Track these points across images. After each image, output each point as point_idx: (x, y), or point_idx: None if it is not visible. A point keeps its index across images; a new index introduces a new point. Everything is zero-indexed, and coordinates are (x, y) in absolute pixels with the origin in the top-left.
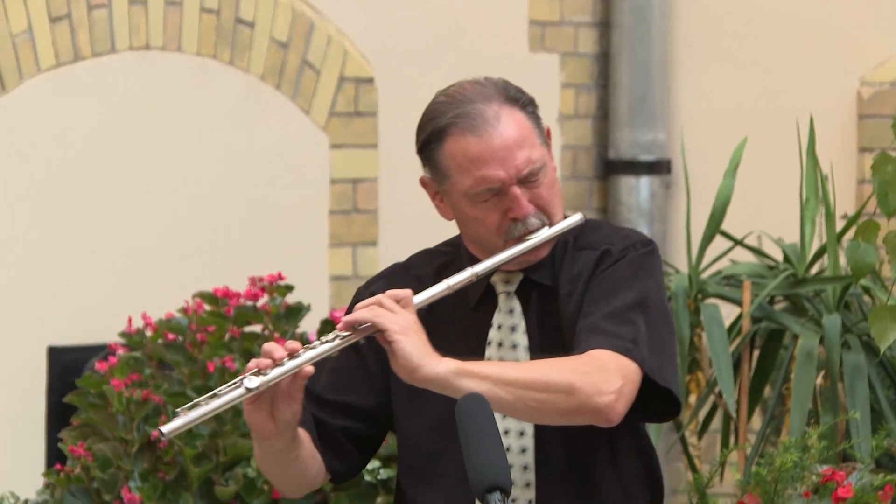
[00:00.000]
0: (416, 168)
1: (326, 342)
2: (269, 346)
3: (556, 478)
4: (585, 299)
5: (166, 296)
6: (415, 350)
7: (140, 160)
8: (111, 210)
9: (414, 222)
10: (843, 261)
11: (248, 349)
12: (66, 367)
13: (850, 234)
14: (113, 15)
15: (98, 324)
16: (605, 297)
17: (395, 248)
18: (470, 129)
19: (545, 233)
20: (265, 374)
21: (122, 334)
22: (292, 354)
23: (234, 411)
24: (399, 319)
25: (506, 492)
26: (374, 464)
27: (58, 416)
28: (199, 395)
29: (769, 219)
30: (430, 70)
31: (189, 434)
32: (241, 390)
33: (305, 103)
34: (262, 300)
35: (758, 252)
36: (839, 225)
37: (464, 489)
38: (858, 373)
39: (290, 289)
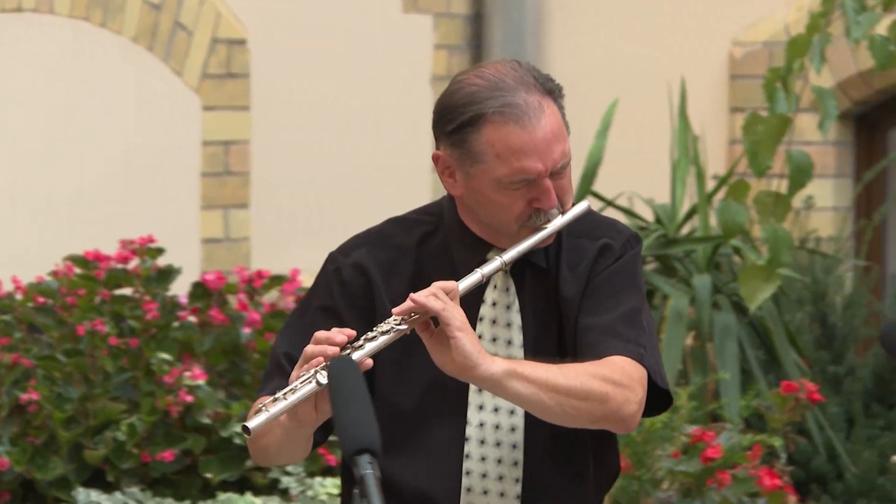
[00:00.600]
0: (289, 130)
1: (384, 333)
2: (325, 334)
3: (542, 458)
4: (592, 293)
5: (37, 259)
6: (473, 348)
7: (9, 123)
8: None
9: (286, 185)
10: (713, 221)
11: (119, 312)
12: None
13: (721, 194)
14: None
15: None
16: (614, 297)
17: (267, 211)
18: (514, 120)
19: (560, 221)
20: (354, 352)
21: None
22: (352, 342)
23: (105, 374)
24: (458, 314)
25: (374, 454)
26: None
27: None
28: (69, 357)
29: (640, 179)
30: (303, 32)
31: (59, 397)
32: (313, 385)
33: (178, 65)
34: (133, 263)
35: (629, 212)
36: (710, 185)
37: (446, 459)
38: (728, 333)
39: (160, 251)
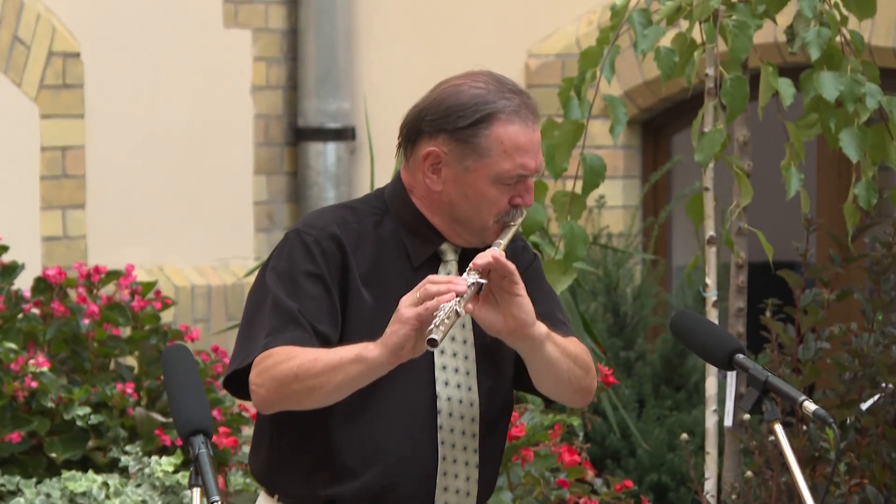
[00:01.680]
0: (120, 136)
1: (470, 285)
2: (444, 279)
3: (488, 430)
4: (533, 290)
5: None
6: (530, 308)
7: None
8: None
9: (120, 187)
10: None
11: None
12: None
13: None
14: None
15: None
16: (546, 290)
17: (102, 211)
18: (521, 121)
19: (519, 220)
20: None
21: None
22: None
23: None
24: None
25: (208, 435)
26: (85, 410)
27: None
28: None
29: None
30: (133, 45)
31: None
32: (454, 315)
33: (17, 76)
34: None
35: None
36: None
37: (399, 425)
38: None
39: (5, 249)
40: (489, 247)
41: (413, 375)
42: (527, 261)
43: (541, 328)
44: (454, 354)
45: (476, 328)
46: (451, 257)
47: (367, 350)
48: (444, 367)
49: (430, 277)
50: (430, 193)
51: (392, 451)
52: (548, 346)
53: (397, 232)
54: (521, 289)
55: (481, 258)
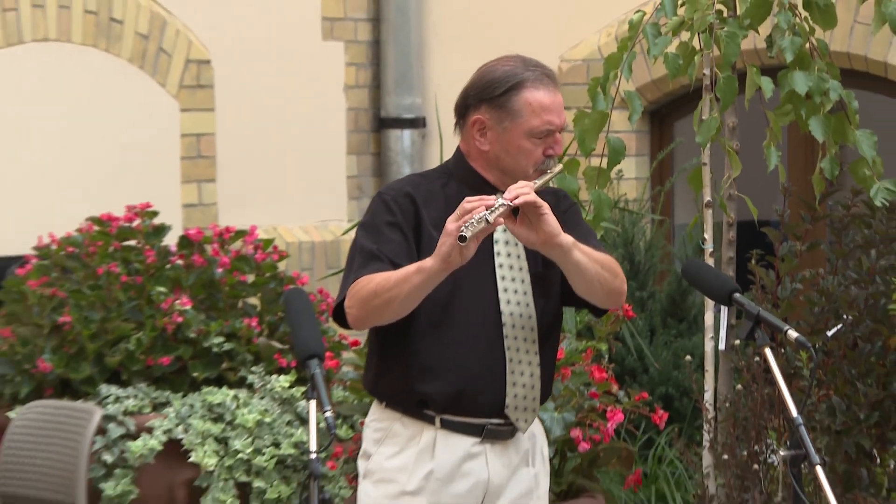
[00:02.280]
0: (243, 125)
1: (501, 205)
2: (478, 198)
3: (544, 338)
4: (567, 223)
5: (67, 220)
6: (555, 221)
7: (47, 120)
8: (30, 163)
9: (243, 165)
10: None
11: (127, 258)
12: None
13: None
14: (20, 15)
15: (15, 240)
16: (581, 225)
17: (229, 184)
18: (544, 86)
19: (558, 168)
20: (491, 214)
21: (35, 248)
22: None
23: (118, 302)
24: (543, 202)
25: (321, 358)
26: (219, 339)
27: None
28: (92, 291)
29: None
30: (252, 54)
31: (85, 319)
32: (484, 224)
33: (162, 79)
34: (136, 222)
35: None
36: None
37: (471, 336)
38: None
39: (155, 214)
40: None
41: (481, 297)
42: (567, 205)
43: (567, 238)
44: (513, 279)
45: (529, 259)
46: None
47: (425, 262)
48: (506, 290)
49: (466, 198)
50: (481, 154)
51: (468, 357)
52: (575, 252)
53: (461, 190)
54: (546, 209)
55: (510, 189)
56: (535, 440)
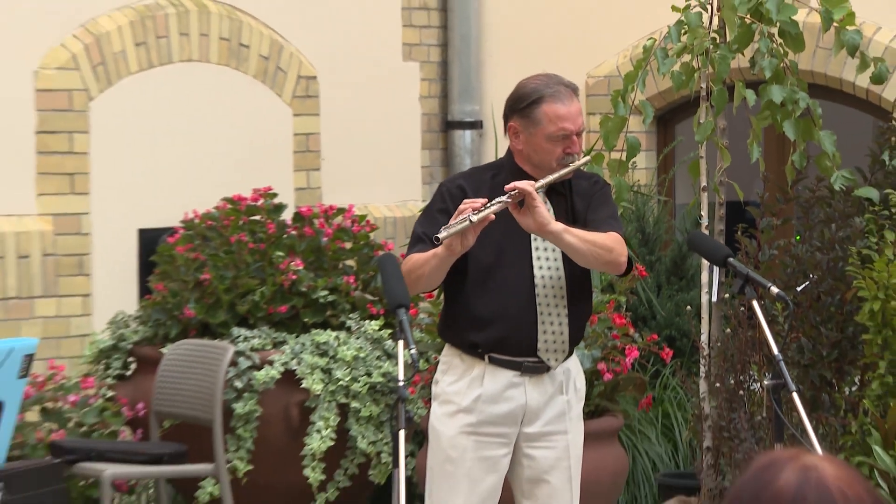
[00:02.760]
0: (341, 128)
1: (500, 202)
2: (469, 201)
3: (573, 295)
4: (594, 203)
5: (207, 199)
6: (546, 214)
7: (192, 122)
8: (179, 155)
9: (341, 157)
10: None
11: (253, 229)
12: (150, 240)
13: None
14: (171, 41)
15: (167, 215)
16: (606, 206)
17: (331, 172)
18: (560, 101)
19: (578, 162)
20: (476, 215)
21: (182, 222)
22: (485, 206)
23: (247, 263)
24: (538, 196)
25: (407, 307)
26: (324, 292)
27: (146, 269)
28: (226, 255)
29: None
30: (348, 72)
31: (221, 277)
32: (467, 223)
33: (279, 91)
34: (260, 202)
35: None
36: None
37: (510, 294)
38: None
39: (275, 195)
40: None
41: (519, 263)
42: (598, 187)
43: (557, 226)
44: (545, 249)
45: (558, 218)
46: (547, 178)
47: (438, 249)
48: (539, 258)
49: (464, 200)
50: (519, 152)
51: (507, 310)
52: (565, 236)
53: (507, 179)
54: (538, 202)
55: (511, 185)
56: (568, 374)
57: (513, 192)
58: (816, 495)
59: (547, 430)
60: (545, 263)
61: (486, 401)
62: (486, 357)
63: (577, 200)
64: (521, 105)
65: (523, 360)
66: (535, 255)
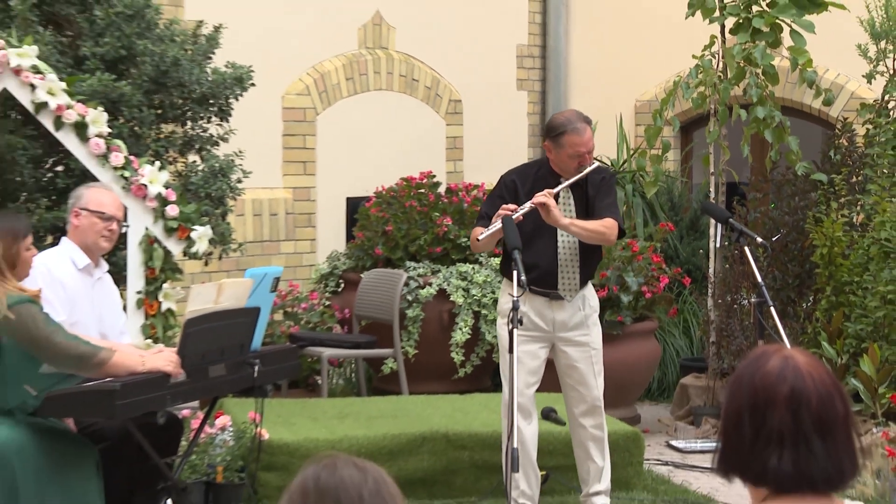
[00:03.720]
0: (479, 131)
1: (527, 206)
2: (505, 207)
3: (585, 256)
4: (599, 194)
5: (391, 178)
6: (559, 212)
7: (382, 131)
8: (372, 150)
9: (476, 153)
10: (633, 166)
11: (420, 198)
12: (354, 205)
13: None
14: (369, 77)
15: (364, 188)
16: (608, 196)
17: (469, 162)
18: (577, 132)
19: (587, 170)
20: (513, 215)
21: (375, 193)
22: (515, 211)
23: (414, 220)
24: (552, 202)
25: (520, 250)
26: (464, 239)
27: (351, 223)
28: (402, 215)
29: (602, 148)
30: (483, 98)
31: (399, 228)
32: (498, 224)
33: (437, 109)
34: (425, 180)
35: (600, 161)
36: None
37: (542, 255)
38: (638, 206)
39: (434, 176)
40: (560, 179)
41: (548, 235)
42: (602, 179)
43: (564, 221)
44: None
45: (578, 211)
46: (563, 183)
47: (485, 233)
48: (562, 234)
49: (502, 206)
50: (551, 160)
51: (539, 263)
52: (571, 227)
53: (544, 175)
54: (552, 207)
55: (535, 196)
56: (584, 298)
57: (535, 203)
58: (793, 375)
59: (571, 334)
60: (566, 237)
61: (527, 314)
62: (528, 289)
63: (590, 189)
64: (552, 133)
65: (550, 292)
66: (559, 231)
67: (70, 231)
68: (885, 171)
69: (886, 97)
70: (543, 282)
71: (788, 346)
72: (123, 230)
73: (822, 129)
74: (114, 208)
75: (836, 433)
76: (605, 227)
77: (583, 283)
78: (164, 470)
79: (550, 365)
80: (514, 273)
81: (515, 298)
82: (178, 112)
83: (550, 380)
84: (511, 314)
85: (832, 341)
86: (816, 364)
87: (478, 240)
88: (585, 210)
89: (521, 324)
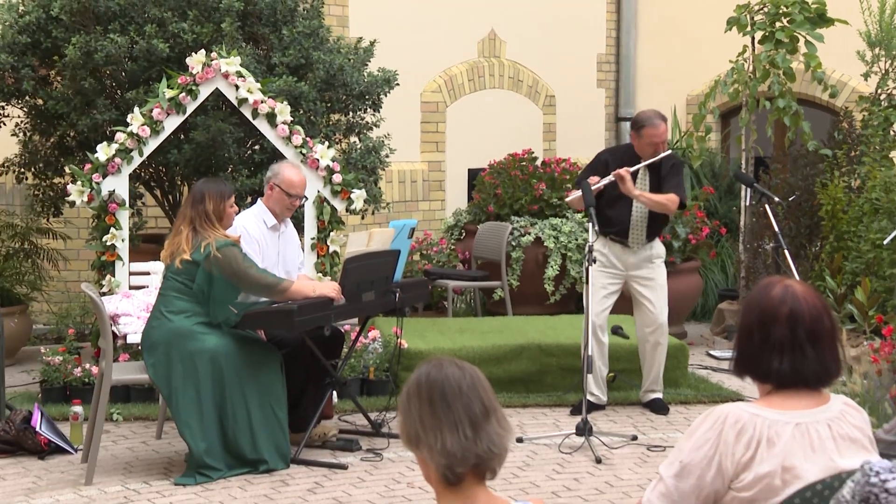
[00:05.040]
0: (567, 121)
1: (608, 179)
2: (592, 178)
3: (652, 218)
4: (668, 175)
5: (499, 154)
6: (630, 186)
7: (492, 120)
8: (482, 133)
9: (565, 136)
10: (683, 144)
11: (522, 169)
12: (473, 173)
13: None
14: (486, 79)
15: (481, 162)
16: (675, 177)
17: (561, 142)
18: (654, 125)
19: (661, 155)
20: (596, 184)
21: (489, 165)
22: (598, 181)
23: (518, 184)
24: (628, 176)
25: (594, 206)
26: (555, 199)
27: (471, 188)
28: (509, 181)
29: None
30: (571, 94)
31: (506, 191)
32: (581, 187)
33: (537, 102)
34: (526, 155)
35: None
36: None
37: (619, 216)
38: (684, 171)
39: (533, 152)
40: (640, 160)
41: (626, 202)
42: (672, 163)
43: (636, 192)
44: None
45: (651, 184)
46: (641, 164)
47: (575, 196)
48: (635, 203)
49: (591, 178)
50: (634, 146)
51: (618, 222)
52: (641, 198)
53: (631, 156)
54: (627, 181)
55: (615, 172)
56: (652, 247)
57: (614, 175)
58: (792, 299)
59: (639, 272)
60: (638, 204)
61: (607, 256)
62: (609, 238)
63: (663, 170)
64: (636, 126)
65: (624, 241)
66: (634, 200)
67: (265, 197)
68: (876, 147)
69: (879, 91)
70: (620, 234)
71: (796, 278)
72: (303, 203)
73: (829, 115)
74: (300, 188)
75: (825, 343)
76: (668, 200)
77: (650, 238)
78: (330, 369)
79: (622, 296)
80: (590, 225)
81: (590, 243)
82: (343, 105)
83: (620, 306)
84: (588, 255)
85: (833, 276)
86: (810, 291)
87: (569, 198)
88: (658, 186)
89: (595, 262)
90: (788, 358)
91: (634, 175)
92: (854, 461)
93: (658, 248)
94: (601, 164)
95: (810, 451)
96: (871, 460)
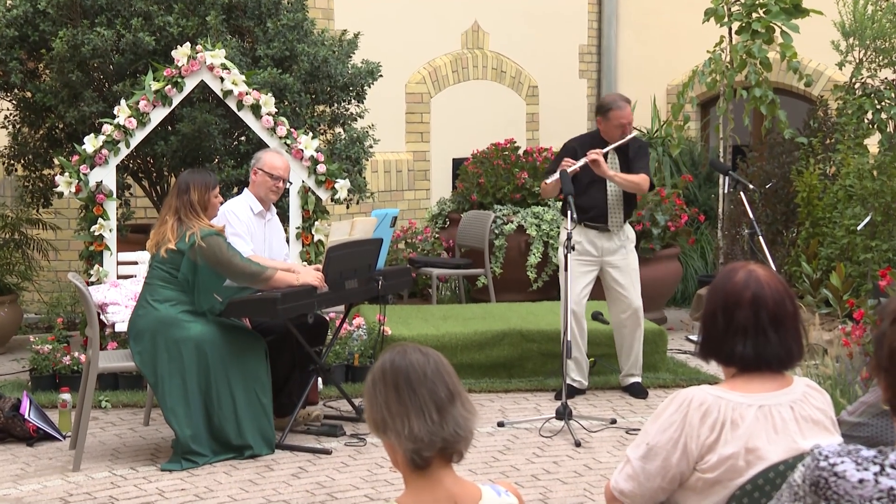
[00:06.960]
0: (550, 110)
1: (581, 162)
2: (566, 161)
3: (626, 198)
4: (636, 157)
5: (482, 143)
6: (605, 167)
7: (481, 111)
8: (466, 123)
9: (550, 124)
10: (663, 132)
11: (504, 158)
12: (457, 163)
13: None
14: (468, 69)
15: (464, 152)
16: (642, 158)
17: (543, 132)
18: (619, 109)
19: (627, 139)
20: (569, 168)
21: (472, 154)
22: (572, 164)
23: (500, 175)
24: (601, 158)
25: (572, 195)
26: (536, 188)
27: (454, 177)
28: (491, 170)
29: (638, 120)
30: (553, 85)
31: (488, 180)
32: (557, 175)
33: (519, 93)
34: (508, 145)
35: (639, 130)
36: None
37: (595, 199)
38: (661, 160)
39: (515, 142)
40: (608, 144)
41: (600, 184)
42: (640, 148)
43: (610, 173)
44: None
45: (621, 166)
46: (610, 146)
47: (549, 182)
48: (609, 184)
49: (565, 159)
50: (601, 131)
51: (593, 205)
52: (615, 178)
53: (598, 141)
54: (601, 162)
55: (588, 154)
56: (624, 232)
57: (588, 159)
58: (755, 284)
59: (614, 258)
60: (612, 186)
61: (581, 243)
62: (583, 224)
63: (630, 153)
64: (602, 110)
65: (601, 226)
66: (608, 182)
67: (250, 184)
68: (850, 135)
69: (853, 80)
70: (598, 219)
71: (771, 265)
72: (287, 186)
73: (805, 104)
74: (282, 171)
75: (787, 327)
76: (641, 179)
77: (625, 220)
78: (314, 356)
79: (598, 282)
80: (568, 213)
81: (569, 231)
82: (327, 97)
83: (598, 292)
84: (566, 243)
85: (809, 261)
86: (773, 276)
87: (545, 183)
88: (628, 168)
89: (574, 250)
90: (752, 342)
91: (605, 158)
92: (816, 442)
93: (629, 232)
94: (569, 152)
95: (773, 432)
96: (820, 444)
